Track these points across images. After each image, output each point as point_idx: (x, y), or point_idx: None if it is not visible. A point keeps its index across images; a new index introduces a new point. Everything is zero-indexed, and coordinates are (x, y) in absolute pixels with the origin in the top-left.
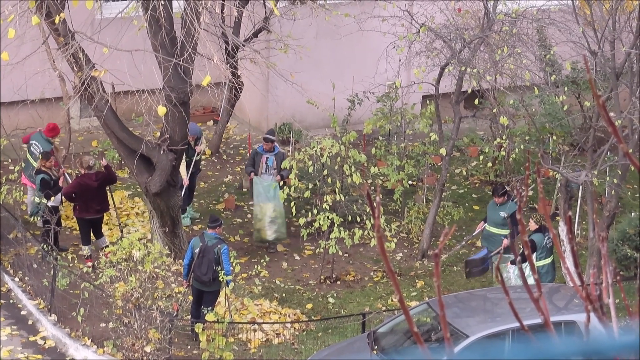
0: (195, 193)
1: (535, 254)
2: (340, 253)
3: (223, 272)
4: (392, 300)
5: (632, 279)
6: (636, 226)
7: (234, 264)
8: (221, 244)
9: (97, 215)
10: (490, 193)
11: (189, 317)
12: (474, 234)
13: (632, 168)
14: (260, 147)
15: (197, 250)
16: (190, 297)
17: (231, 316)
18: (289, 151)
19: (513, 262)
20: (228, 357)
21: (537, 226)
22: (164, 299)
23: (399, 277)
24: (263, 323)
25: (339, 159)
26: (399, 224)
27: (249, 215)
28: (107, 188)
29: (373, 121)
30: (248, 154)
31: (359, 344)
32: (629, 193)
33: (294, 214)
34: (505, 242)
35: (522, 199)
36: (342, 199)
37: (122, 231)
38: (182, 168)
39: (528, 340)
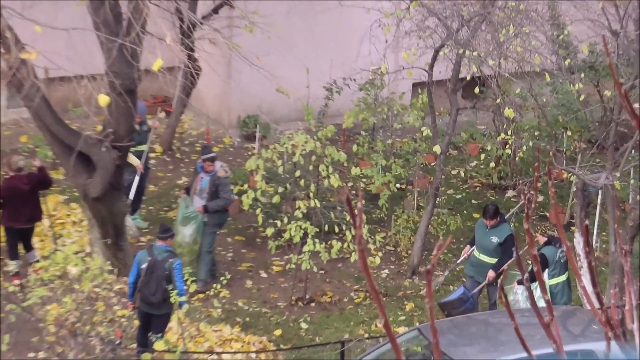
0: (143, 197)
1: (546, 270)
2: (315, 269)
3: (175, 291)
4: (376, 326)
5: None
6: None
7: (188, 282)
8: (173, 259)
9: (28, 225)
10: (493, 198)
11: (135, 345)
12: (458, 262)
13: None
14: (200, 164)
15: (144, 266)
16: (136, 322)
17: (185, 345)
18: (254, 150)
19: (520, 282)
20: None
21: (545, 239)
22: (105, 323)
23: (384, 298)
24: (223, 353)
25: (313, 157)
26: (385, 235)
27: None
28: (40, 193)
29: (354, 113)
30: None
31: None
32: None
33: (260, 222)
34: (491, 274)
35: (531, 206)
36: (318, 205)
37: (55, 243)
38: (132, 157)
39: None
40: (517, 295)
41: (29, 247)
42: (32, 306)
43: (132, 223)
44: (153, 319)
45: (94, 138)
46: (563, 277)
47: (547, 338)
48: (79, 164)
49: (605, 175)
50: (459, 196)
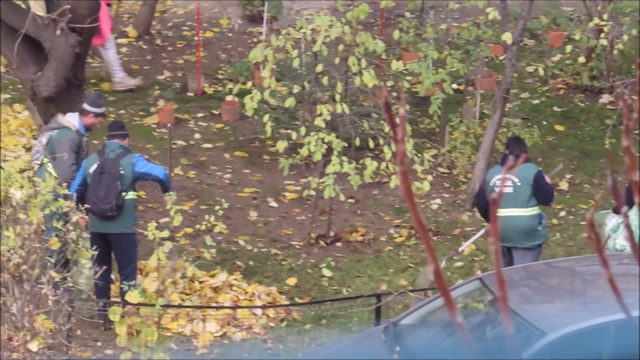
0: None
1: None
2: (343, 198)
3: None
4: None
5: None
6: None
7: (172, 213)
8: (130, 155)
9: None
10: (582, 104)
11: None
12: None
13: None
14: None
15: (93, 169)
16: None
17: (166, 296)
18: (261, 36)
19: (617, 212)
20: None
21: None
22: (59, 267)
23: (435, 238)
24: (219, 307)
25: (341, 47)
26: (437, 153)
27: (197, 136)
28: None
29: None
30: (197, 38)
31: (370, 342)
32: None
33: (268, 133)
34: None
35: (632, 115)
36: (346, 111)
37: None
38: None
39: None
40: (606, 228)
41: None
42: None
43: None
44: (113, 243)
45: (46, 18)
46: None
47: None
48: (25, 51)
49: None
50: (536, 101)
